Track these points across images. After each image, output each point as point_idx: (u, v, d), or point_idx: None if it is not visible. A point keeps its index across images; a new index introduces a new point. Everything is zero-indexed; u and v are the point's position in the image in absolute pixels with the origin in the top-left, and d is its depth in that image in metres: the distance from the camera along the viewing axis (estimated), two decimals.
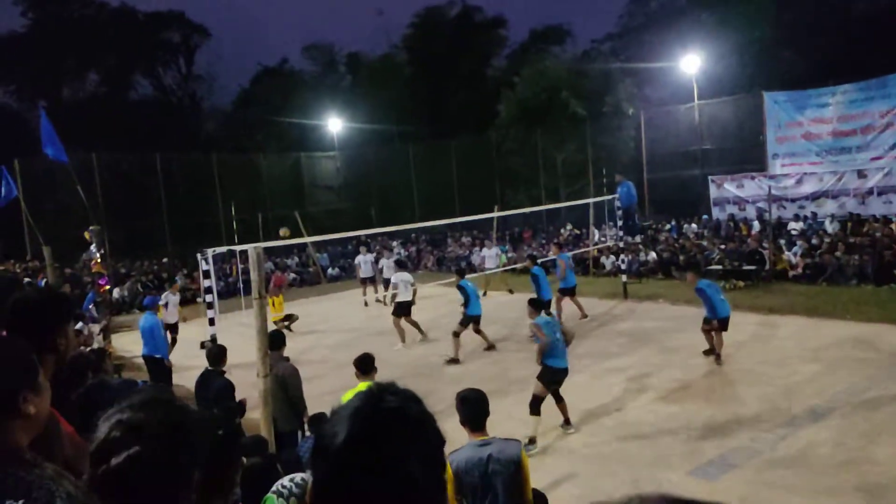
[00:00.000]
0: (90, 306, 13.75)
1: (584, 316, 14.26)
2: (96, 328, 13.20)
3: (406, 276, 13.81)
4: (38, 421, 1.60)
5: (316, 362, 12.32)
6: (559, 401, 8.05)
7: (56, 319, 2.15)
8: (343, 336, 14.64)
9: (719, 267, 17.29)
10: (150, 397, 1.32)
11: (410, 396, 1.18)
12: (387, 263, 18.06)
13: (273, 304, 15.00)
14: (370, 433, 1.07)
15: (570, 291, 14.24)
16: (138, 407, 1.27)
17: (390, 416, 1.10)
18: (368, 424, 1.09)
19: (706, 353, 10.65)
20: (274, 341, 7.23)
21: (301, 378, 7.26)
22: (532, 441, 7.53)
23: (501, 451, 4.08)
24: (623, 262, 17.35)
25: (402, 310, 13.34)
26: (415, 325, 13.47)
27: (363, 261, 18.82)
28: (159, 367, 10.17)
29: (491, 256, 18.60)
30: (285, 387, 6.93)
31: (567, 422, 8.07)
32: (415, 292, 14.15)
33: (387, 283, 16.94)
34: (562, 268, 14.09)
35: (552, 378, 7.81)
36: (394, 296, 14.17)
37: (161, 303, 12.21)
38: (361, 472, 1.04)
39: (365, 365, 6.49)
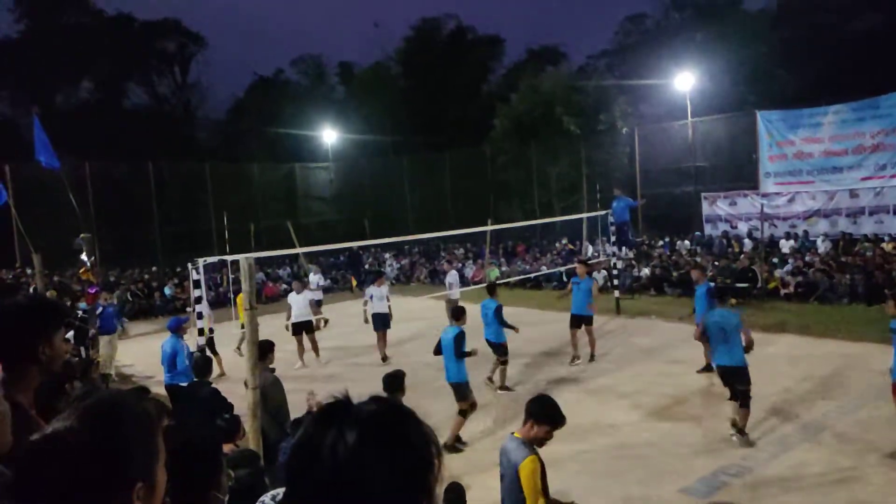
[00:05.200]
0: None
1: (577, 357, 12.06)
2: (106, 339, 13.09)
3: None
4: None
5: (304, 375, 12.25)
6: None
7: (40, 328, 2.08)
8: (333, 349, 14.54)
9: (711, 283, 17.26)
10: (94, 403, 1.25)
11: (395, 408, 1.13)
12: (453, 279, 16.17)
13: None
14: (322, 432, 1.04)
15: (589, 321, 12.15)
16: (75, 413, 1.22)
17: (349, 417, 1.06)
18: (323, 424, 1.06)
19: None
20: (260, 351, 7.14)
21: (283, 388, 7.08)
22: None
23: (512, 451, 4.29)
24: (616, 275, 17.32)
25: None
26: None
27: (313, 280, 17.52)
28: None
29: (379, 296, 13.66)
30: (265, 398, 6.81)
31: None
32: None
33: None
34: (594, 291, 12.18)
35: None
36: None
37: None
38: (308, 468, 1.03)
39: (391, 384, 6.18)
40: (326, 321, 17.10)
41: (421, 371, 12.17)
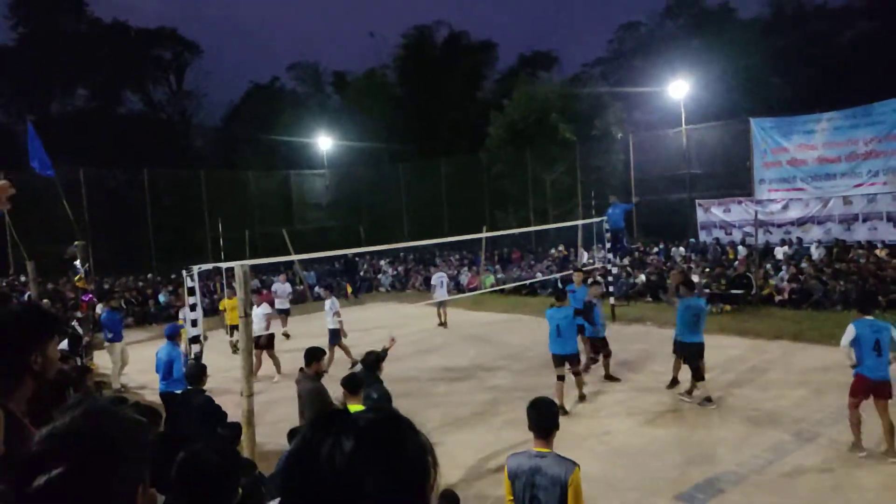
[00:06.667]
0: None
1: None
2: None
3: None
4: None
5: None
6: None
7: (32, 337, 2.06)
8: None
9: (706, 290, 17.33)
10: (87, 410, 1.27)
11: (392, 416, 1.13)
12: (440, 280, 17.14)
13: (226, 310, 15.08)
14: (320, 439, 1.05)
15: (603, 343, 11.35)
16: (70, 421, 1.23)
17: (347, 425, 1.06)
18: (321, 431, 1.06)
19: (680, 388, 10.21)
20: (307, 357, 7.06)
21: (327, 397, 6.78)
22: None
23: (550, 467, 4.04)
24: (611, 282, 17.35)
25: None
26: None
27: (281, 290, 17.17)
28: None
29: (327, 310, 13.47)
30: (303, 407, 6.71)
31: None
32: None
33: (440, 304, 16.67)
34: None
35: None
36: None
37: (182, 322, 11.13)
38: (305, 475, 1.04)
39: (353, 385, 6.17)
40: (287, 335, 16.66)
41: (417, 378, 12.17)
